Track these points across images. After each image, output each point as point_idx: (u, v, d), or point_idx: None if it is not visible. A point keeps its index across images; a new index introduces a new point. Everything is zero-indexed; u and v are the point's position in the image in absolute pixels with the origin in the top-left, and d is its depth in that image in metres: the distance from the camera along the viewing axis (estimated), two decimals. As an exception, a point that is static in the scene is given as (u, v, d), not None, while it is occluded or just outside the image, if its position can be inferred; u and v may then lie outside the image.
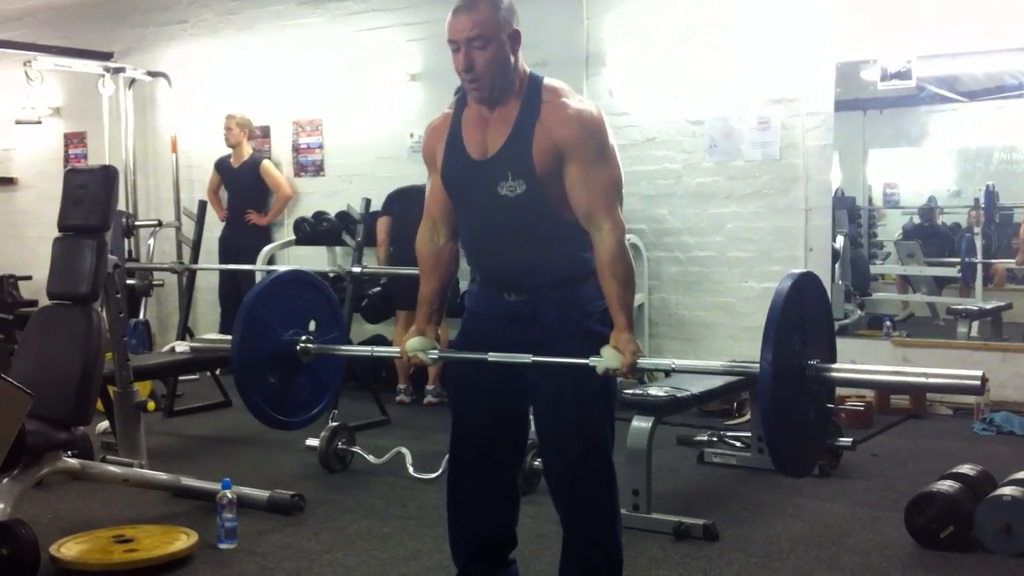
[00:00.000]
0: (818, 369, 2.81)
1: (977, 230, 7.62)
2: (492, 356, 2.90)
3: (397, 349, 3.13)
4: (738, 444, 5.31)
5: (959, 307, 7.37)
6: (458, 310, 3.19)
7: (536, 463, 4.46)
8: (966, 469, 4.16)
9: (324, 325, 3.54)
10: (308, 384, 3.57)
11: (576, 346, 2.83)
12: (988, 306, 7.27)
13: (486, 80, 2.76)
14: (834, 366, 2.87)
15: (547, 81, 2.84)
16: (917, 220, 8.29)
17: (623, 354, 2.73)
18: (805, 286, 2.85)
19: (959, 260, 7.75)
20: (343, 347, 3.65)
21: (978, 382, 2.74)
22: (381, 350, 4.13)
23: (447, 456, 4.05)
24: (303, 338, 3.44)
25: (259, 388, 3.44)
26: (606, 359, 2.75)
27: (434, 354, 3.04)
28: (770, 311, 2.70)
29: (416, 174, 7.45)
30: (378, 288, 7.04)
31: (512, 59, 2.79)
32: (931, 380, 2.90)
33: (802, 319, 2.80)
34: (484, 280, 2.99)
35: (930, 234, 8.20)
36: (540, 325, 2.87)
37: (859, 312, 7.61)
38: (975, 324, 7.12)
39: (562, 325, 2.86)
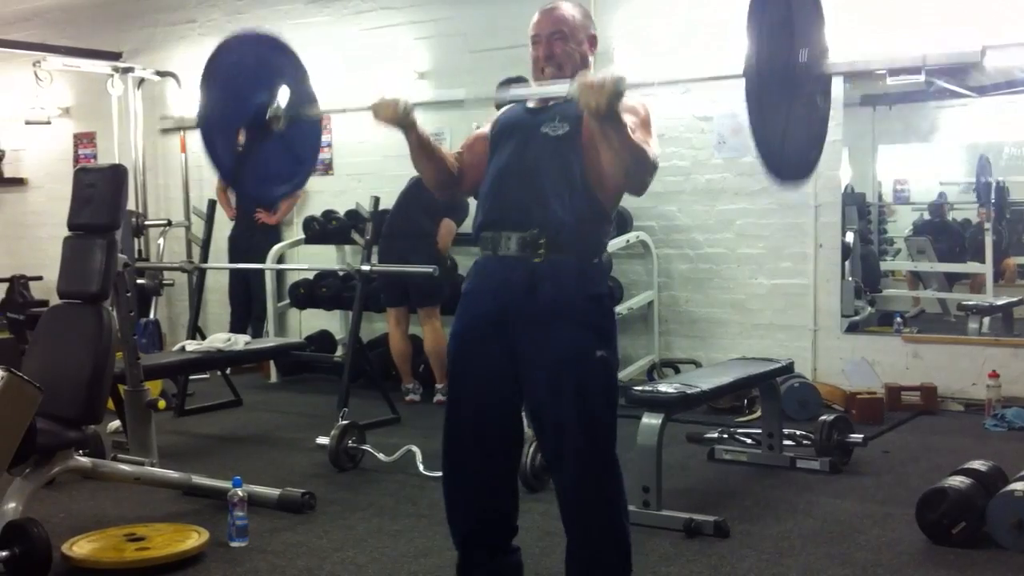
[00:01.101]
0: (809, 61, 2.67)
1: (987, 226, 7.60)
2: (513, 92, 2.89)
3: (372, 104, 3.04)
4: (749, 441, 5.31)
5: (970, 303, 7.35)
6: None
7: (542, 460, 4.45)
8: (977, 465, 4.15)
9: (296, 95, 3.35)
10: (282, 155, 3.38)
11: (569, 334, 2.83)
12: (999, 302, 7.26)
13: (566, 68, 2.91)
14: (826, 57, 2.74)
15: None
16: (927, 216, 8.28)
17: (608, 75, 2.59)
18: None
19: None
20: (313, 108, 3.47)
21: (977, 48, 2.61)
22: (355, 107, 3.82)
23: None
24: (275, 103, 3.25)
25: (221, 150, 3.22)
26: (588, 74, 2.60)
27: (409, 103, 2.98)
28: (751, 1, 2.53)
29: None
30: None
31: (589, 59, 2.99)
32: (928, 53, 2.75)
33: (789, 12, 2.65)
34: (488, 222, 2.97)
35: (940, 230, 8.19)
36: (533, 301, 2.86)
37: (870, 308, 7.61)
38: (986, 320, 7.11)
39: (554, 305, 2.84)
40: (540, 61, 2.96)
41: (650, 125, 2.94)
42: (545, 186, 2.87)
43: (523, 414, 3.13)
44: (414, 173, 7.46)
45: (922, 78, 6.47)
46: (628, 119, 2.73)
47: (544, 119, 2.93)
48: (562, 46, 2.93)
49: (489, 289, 2.95)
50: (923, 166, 8.40)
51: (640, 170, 2.78)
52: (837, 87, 6.60)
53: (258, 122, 3.22)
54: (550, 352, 2.84)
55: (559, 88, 2.74)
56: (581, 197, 2.86)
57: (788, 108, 2.67)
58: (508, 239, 2.91)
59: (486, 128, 3.13)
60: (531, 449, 4.50)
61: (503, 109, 3.11)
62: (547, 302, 2.85)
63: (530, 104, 3.02)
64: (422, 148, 3.04)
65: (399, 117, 2.98)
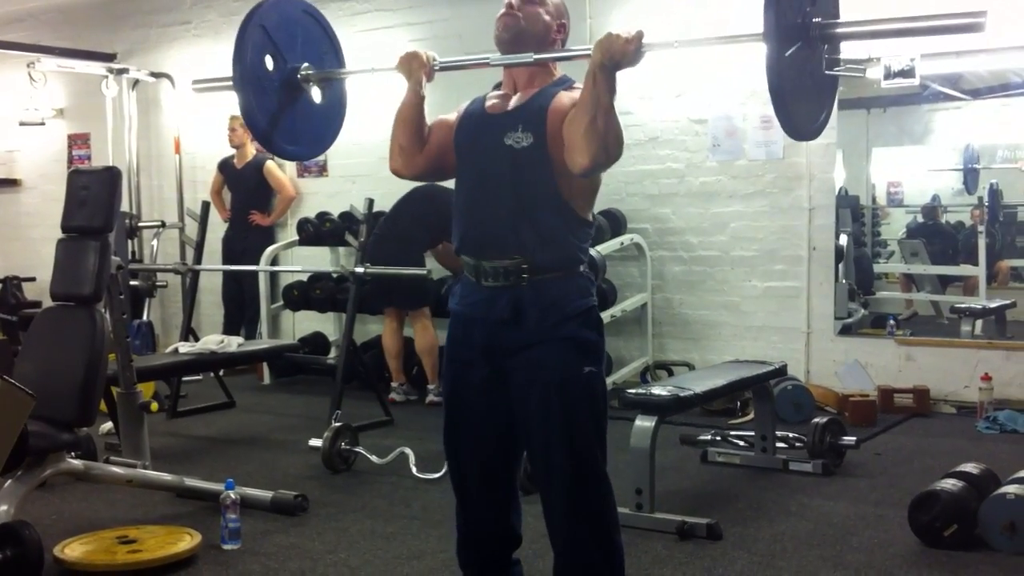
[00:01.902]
0: (823, 25, 2.73)
1: (981, 228, 7.61)
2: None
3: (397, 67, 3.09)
4: (741, 443, 5.31)
5: (963, 306, 7.36)
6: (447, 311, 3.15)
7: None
8: (970, 467, 4.16)
9: (325, 58, 3.46)
10: (302, 119, 3.44)
11: (558, 350, 2.80)
12: (992, 305, 7.27)
13: (520, 20, 2.88)
14: (839, 21, 2.79)
15: (578, 82, 2.90)
16: (921, 219, 8.29)
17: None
18: None
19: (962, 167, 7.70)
20: (341, 71, 3.54)
21: (983, 19, 2.68)
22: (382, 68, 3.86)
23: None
24: (304, 64, 3.32)
25: (263, 107, 3.28)
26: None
27: (443, 59, 3.06)
28: None
29: (419, 174, 7.47)
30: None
31: (551, 37, 2.92)
32: (934, 23, 2.85)
33: None
34: (466, 253, 2.93)
35: (934, 233, 8.19)
36: (520, 328, 2.83)
37: (863, 311, 7.61)
38: (979, 323, 7.12)
39: (541, 327, 2.81)
40: (505, 7, 2.89)
41: None
42: (518, 208, 2.80)
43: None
44: (409, 184, 7.53)
45: (916, 81, 6.49)
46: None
47: (506, 127, 2.81)
48: (531, 7, 2.88)
49: (475, 317, 2.91)
50: (917, 169, 8.41)
51: (616, 142, 2.71)
52: (831, 90, 6.63)
53: (291, 80, 3.29)
54: (538, 374, 2.81)
55: (580, 51, 2.74)
56: (556, 211, 2.80)
57: (802, 67, 2.72)
58: (489, 269, 2.85)
59: (452, 116, 3.04)
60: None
61: (462, 109, 3.04)
62: (532, 328, 2.81)
63: (489, 103, 2.94)
64: (415, 108, 3.02)
65: (426, 69, 3.02)
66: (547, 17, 2.91)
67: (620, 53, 2.65)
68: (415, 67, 3.01)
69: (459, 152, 2.97)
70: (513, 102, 2.89)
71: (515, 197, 2.81)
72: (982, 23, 2.65)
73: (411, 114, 3.02)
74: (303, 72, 3.30)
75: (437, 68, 3.02)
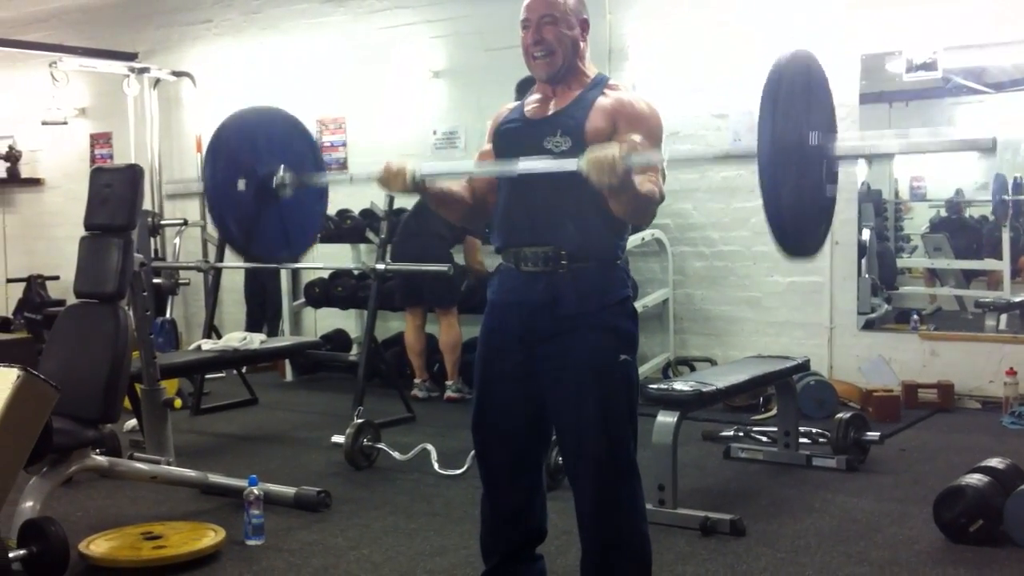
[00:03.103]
0: (820, 143, 2.72)
1: (1005, 223, 7.56)
2: (475, 168, 2.92)
3: (379, 173, 2.98)
4: (764, 439, 5.29)
5: (987, 300, 7.32)
6: (479, 306, 3.16)
7: (561, 459, 4.44)
8: (995, 463, 4.12)
9: (303, 163, 3.39)
10: (286, 222, 3.42)
11: (594, 338, 2.83)
12: (1016, 299, 7.21)
13: (556, 51, 2.88)
14: (837, 138, 2.78)
15: (613, 80, 2.95)
16: (944, 213, 8.24)
17: (614, 148, 2.59)
18: (803, 61, 2.76)
19: (991, 199, 7.63)
20: (319, 175, 3.47)
21: (990, 141, 2.66)
22: (360, 175, 3.82)
23: (472, 453, 4.07)
24: (281, 170, 3.28)
25: (230, 220, 3.28)
26: (595, 149, 2.60)
27: (427, 168, 2.95)
28: (766, 85, 2.61)
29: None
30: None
31: (581, 44, 2.91)
32: (940, 139, 2.81)
33: (801, 92, 2.70)
34: (506, 244, 2.96)
35: (957, 227, 8.14)
36: (557, 313, 2.84)
37: (886, 306, 7.57)
38: (1003, 317, 7.07)
39: (579, 314, 2.83)
40: (529, 48, 2.89)
41: (659, 133, 2.90)
42: (558, 207, 2.84)
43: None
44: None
45: (939, 74, 6.46)
46: (635, 136, 2.76)
47: (546, 132, 2.85)
48: (553, 31, 2.86)
49: (513, 303, 2.93)
50: (940, 163, 8.36)
51: (646, 214, 2.82)
52: (854, 83, 6.61)
53: (265, 189, 3.25)
54: (574, 358, 2.84)
55: (568, 164, 2.67)
56: (595, 209, 2.81)
57: (799, 185, 2.70)
58: (529, 255, 2.89)
59: (488, 145, 3.07)
60: (552, 452, 4.50)
61: (500, 116, 3.05)
62: (570, 313, 2.84)
63: (528, 108, 2.96)
64: (440, 201, 3.04)
65: (409, 188, 2.94)
66: (570, 31, 2.89)
67: (610, 179, 2.57)
68: (394, 186, 2.95)
69: (498, 151, 2.99)
70: (552, 107, 2.92)
71: (555, 197, 2.84)
72: (992, 147, 2.61)
73: (440, 206, 3.07)
74: (278, 180, 3.26)
75: (419, 179, 2.93)
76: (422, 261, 6.25)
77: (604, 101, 2.86)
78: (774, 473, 4.95)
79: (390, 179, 2.94)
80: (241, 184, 3.24)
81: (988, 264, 7.93)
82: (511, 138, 2.96)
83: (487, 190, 3.05)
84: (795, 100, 2.66)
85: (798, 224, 2.75)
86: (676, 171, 7.14)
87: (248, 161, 3.26)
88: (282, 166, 3.28)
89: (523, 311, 2.90)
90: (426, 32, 8.05)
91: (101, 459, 4.18)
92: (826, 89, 2.88)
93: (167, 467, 4.52)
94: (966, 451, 5.15)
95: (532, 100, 2.99)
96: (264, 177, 3.26)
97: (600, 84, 2.92)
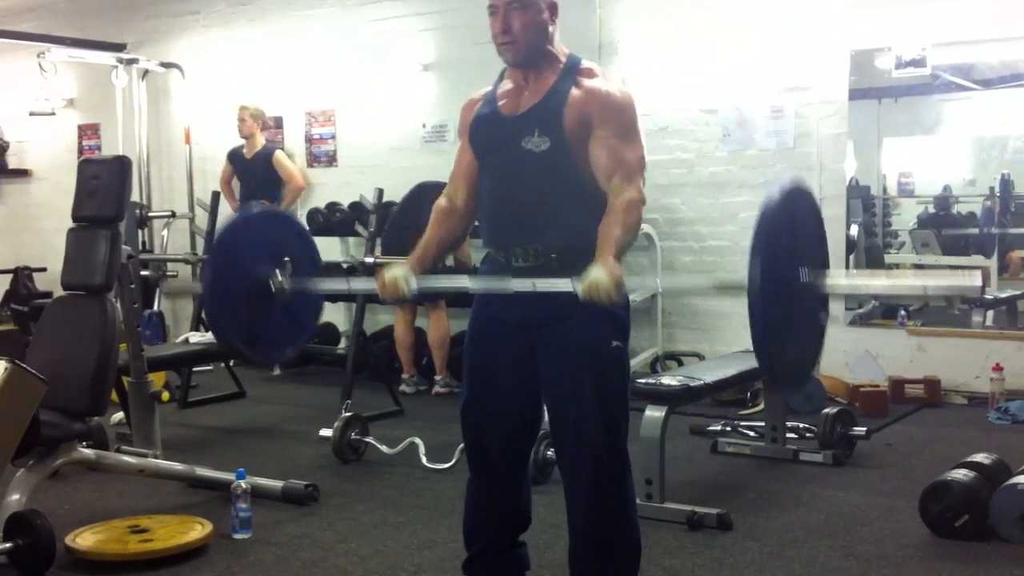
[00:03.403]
0: (810, 280, 2.77)
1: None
2: (472, 285, 2.93)
3: (375, 283, 3.02)
4: (752, 434, 5.31)
5: (974, 296, 7.33)
6: (467, 301, 3.16)
7: (549, 453, 4.46)
8: (981, 458, 4.14)
9: (300, 264, 3.43)
10: (283, 323, 3.43)
11: (589, 324, 2.83)
12: (1003, 295, 7.24)
13: (521, 42, 2.83)
14: (827, 276, 2.83)
15: (585, 62, 2.92)
16: (932, 209, 8.26)
17: (608, 273, 2.64)
18: (795, 197, 2.81)
19: (978, 229, 7.67)
20: (318, 280, 3.48)
21: (978, 283, 2.69)
22: (358, 282, 3.95)
23: (460, 446, 4.08)
24: (278, 276, 3.31)
25: (230, 324, 3.33)
26: (593, 275, 2.64)
27: (413, 283, 2.95)
28: (757, 222, 2.65)
29: (428, 164, 7.48)
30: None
31: (549, 29, 2.88)
32: (929, 284, 2.87)
33: (792, 229, 2.74)
34: (496, 242, 2.97)
35: (945, 223, 8.16)
36: (550, 303, 2.84)
37: (873, 302, 7.58)
38: (990, 313, 7.09)
39: (573, 300, 2.83)
40: (497, 35, 2.84)
41: (633, 124, 2.86)
42: (544, 205, 2.84)
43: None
44: (418, 166, 7.53)
45: (927, 71, 6.47)
46: (608, 132, 2.77)
47: (523, 130, 2.83)
48: (520, 17, 2.81)
49: (501, 295, 2.93)
50: (928, 159, 8.37)
51: (637, 230, 2.86)
52: (842, 79, 6.62)
53: (263, 292, 3.29)
54: (570, 344, 2.85)
55: (562, 284, 2.70)
56: (582, 201, 2.83)
57: (789, 321, 2.76)
58: (519, 253, 2.89)
59: (464, 141, 3.04)
60: (540, 445, 4.50)
61: (473, 105, 3.01)
62: (565, 302, 2.81)
63: (501, 101, 2.92)
64: (444, 256, 3.12)
65: (408, 296, 2.98)
66: (538, 15, 2.84)
67: (608, 300, 2.65)
68: (387, 298, 2.99)
69: (478, 153, 2.99)
70: (526, 101, 2.89)
71: (539, 197, 2.85)
72: (977, 289, 2.70)
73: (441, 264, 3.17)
74: (277, 285, 3.29)
75: (415, 292, 2.97)
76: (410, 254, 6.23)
77: (577, 93, 2.82)
78: (761, 467, 4.96)
79: (387, 293, 2.96)
80: (240, 283, 3.29)
81: (975, 260, 7.95)
82: (488, 136, 2.94)
83: (474, 198, 3.04)
84: (785, 237, 2.70)
85: (788, 355, 2.81)
86: (665, 166, 7.16)
87: (246, 268, 3.30)
88: (278, 271, 3.31)
89: (516, 300, 2.89)
90: (416, 25, 8.03)
91: (88, 452, 4.17)
92: (818, 222, 2.95)
93: (154, 460, 4.51)
94: (952, 446, 5.17)
95: (504, 88, 2.96)
96: (262, 282, 3.29)
97: (573, 70, 2.88)
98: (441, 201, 3.11)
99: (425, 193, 6.79)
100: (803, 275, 2.76)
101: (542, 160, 2.82)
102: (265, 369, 7.98)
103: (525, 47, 2.84)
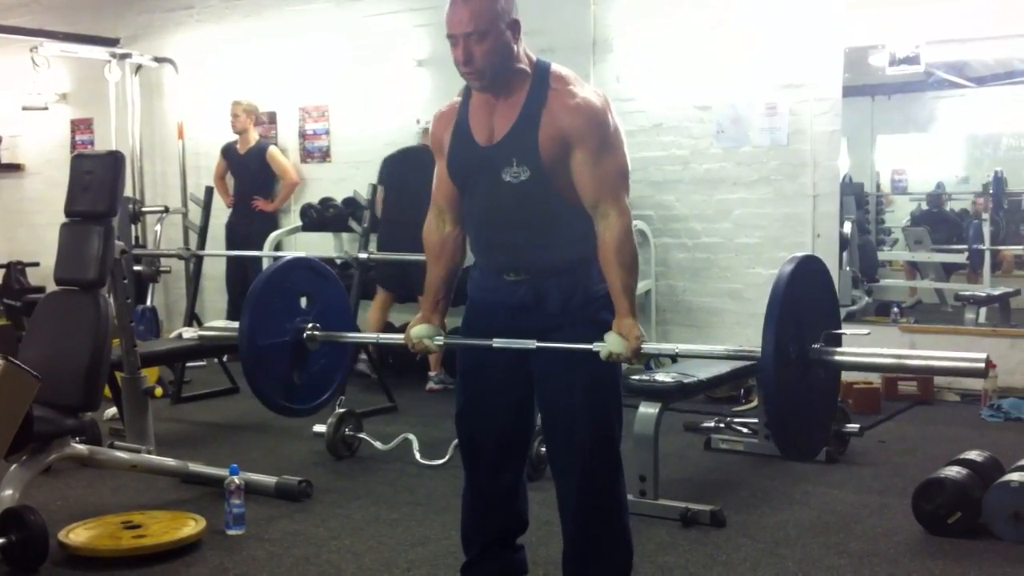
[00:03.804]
0: (822, 352, 2.82)
1: (985, 216, 7.61)
2: (497, 342, 2.90)
3: (402, 336, 3.11)
4: (745, 431, 5.31)
5: (967, 293, 7.36)
6: (460, 298, 3.17)
7: (543, 450, 4.46)
8: (974, 455, 4.15)
9: (331, 312, 3.54)
10: (315, 371, 3.60)
11: (581, 333, 2.83)
12: (996, 292, 7.26)
13: (487, 72, 2.75)
14: (838, 350, 2.86)
15: (554, 68, 2.83)
16: (925, 206, 8.28)
17: (627, 339, 2.75)
18: (808, 270, 2.85)
19: (967, 247, 7.73)
20: (349, 334, 3.66)
21: (982, 365, 2.73)
22: (386, 337, 4.20)
23: (454, 442, 4.08)
24: (310, 325, 3.44)
25: (266, 375, 3.47)
26: (609, 344, 2.76)
27: (439, 340, 3.05)
28: (771, 295, 2.72)
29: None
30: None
31: (514, 48, 2.77)
32: (934, 363, 2.91)
33: (805, 302, 2.79)
34: (486, 263, 2.98)
35: (938, 220, 8.18)
36: (543, 312, 2.87)
37: (867, 298, 7.61)
38: (983, 310, 7.11)
39: (565, 311, 2.85)
40: (460, 66, 2.76)
41: (612, 134, 2.80)
42: (530, 230, 2.84)
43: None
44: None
45: (921, 68, 6.48)
46: (585, 152, 2.75)
47: (500, 162, 2.78)
48: (481, 48, 2.70)
49: (497, 302, 2.94)
50: (921, 156, 8.39)
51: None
52: (836, 76, 6.62)
53: (295, 342, 3.48)
54: (561, 354, 2.85)
55: (583, 348, 2.79)
56: (567, 224, 2.83)
57: (800, 391, 2.82)
58: (510, 270, 2.90)
59: (441, 167, 2.99)
60: (534, 443, 4.50)
61: (444, 123, 2.96)
62: (555, 310, 2.86)
63: (475, 127, 2.86)
64: (451, 293, 3.12)
65: (434, 351, 3.13)
66: (500, 40, 2.72)
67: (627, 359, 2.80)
68: (416, 353, 3.15)
69: (457, 181, 2.95)
70: (499, 125, 2.82)
71: (524, 222, 2.85)
72: (981, 370, 2.80)
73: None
74: (308, 334, 3.47)
75: (440, 347, 3.10)
76: (407, 249, 6.22)
77: (549, 113, 2.75)
78: (754, 464, 4.97)
79: (416, 351, 3.10)
80: (275, 332, 3.48)
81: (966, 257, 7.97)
82: (466, 167, 2.90)
83: (461, 217, 3.02)
84: (797, 310, 2.76)
85: (800, 428, 2.87)
86: (659, 163, 7.16)
87: (280, 321, 3.48)
88: (310, 323, 3.49)
89: (508, 311, 2.92)
90: (410, 21, 8.01)
91: (81, 447, 4.15)
92: (831, 294, 3.01)
93: (147, 456, 4.50)
94: (945, 443, 5.18)
95: (475, 109, 2.87)
96: (296, 331, 3.47)
97: (543, 84, 2.79)
98: (429, 233, 3.08)
99: (410, 172, 6.72)
100: (815, 347, 2.82)
101: (523, 190, 2.79)
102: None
103: (490, 74, 2.75)
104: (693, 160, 7.11)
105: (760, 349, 2.70)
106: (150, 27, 9.42)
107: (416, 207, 6.56)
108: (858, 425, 5.10)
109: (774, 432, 2.81)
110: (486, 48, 2.71)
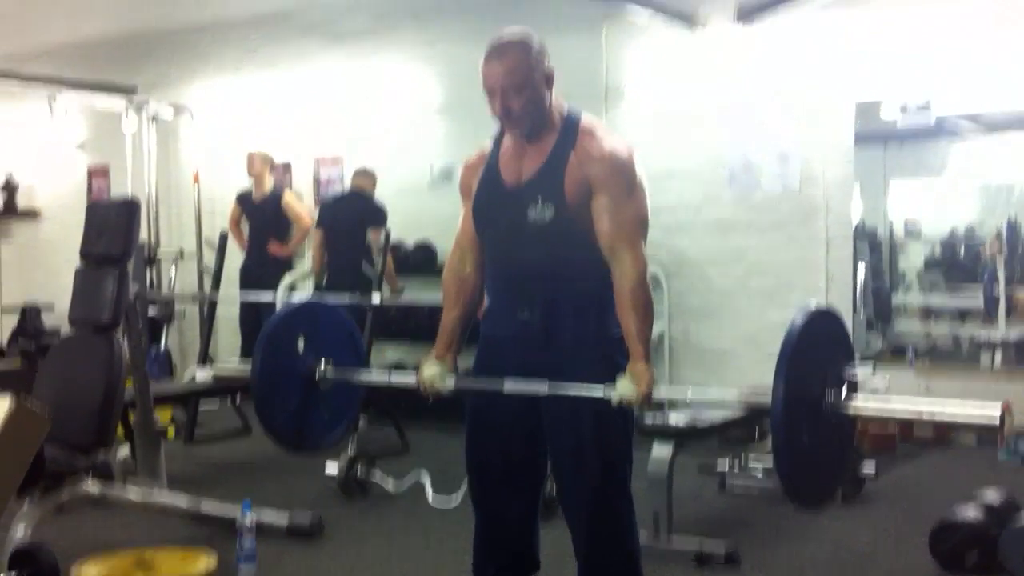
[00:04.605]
0: (835, 404, 2.81)
1: (1000, 259, 7.60)
2: (508, 386, 2.90)
3: (414, 377, 3.11)
4: (759, 472, 5.28)
5: (982, 337, 7.34)
6: (473, 336, 3.18)
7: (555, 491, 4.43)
8: (990, 494, 4.12)
9: (343, 353, 3.55)
10: (326, 410, 3.60)
11: (592, 372, 2.83)
12: (1011, 336, 7.24)
13: (525, 122, 2.85)
14: (852, 402, 2.84)
15: (584, 118, 2.92)
16: (939, 252, 8.28)
17: (638, 384, 2.74)
18: (821, 320, 2.85)
19: (982, 289, 7.70)
20: (360, 374, 3.65)
21: (996, 416, 2.72)
22: (399, 378, 4.18)
23: (465, 485, 4.07)
24: (321, 366, 3.45)
25: (278, 414, 3.47)
26: (621, 389, 2.76)
27: (451, 382, 3.04)
28: (783, 345, 2.71)
29: (437, 207, 7.54)
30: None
31: (547, 97, 2.87)
32: (948, 418, 2.89)
33: (818, 351, 2.78)
34: (502, 300, 2.99)
35: (952, 266, 8.18)
36: (555, 349, 2.87)
37: (881, 342, 7.58)
38: (999, 354, 7.08)
39: (577, 349, 2.86)
40: (501, 119, 2.88)
41: (635, 182, 2.88)
42: (549, 269, 2.87)
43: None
44: (426, 208, 7.58)
45: (932, 119, 6.50)
46: (607, 198, 2.80)
47: (526, 201, 2.85)
48: (519, 100, 2.81)
49: (509, 337, 2.95)
50: (934, 202, 8.41)
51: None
52: (848, 127, 6.65)
53: (308, 382, 3.48)
54: (573, 394, 2.85)
55: (595, 390, 2.78)
56: (587, 266, 2.86)
57: (813, 442, 2.79)
58: (525, 308, 2.91)
59: (467, 208, 3.04)
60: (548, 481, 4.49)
61: (474, 170, 3.03)
62: (568, 348, 2.87)
63: (503, 168, 2.93)
64: (465, 336, 3.10)
65: (445, 393, 3.05)
66: (535, 92, 2.84)
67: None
68: (427, 395, 3.08)
69: (481, 220, 2.99)
70: (528, 166, 2.89)
71: (544, 262, 2.88)
72: (995, 420, 2.80)
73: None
74: (320, 374, 3.47)
75: (450, 389, 3.05)
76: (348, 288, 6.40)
77: (576, 158, 2.83)
78: (769, 504, 4.93)
79: (427, 392, 3.06)
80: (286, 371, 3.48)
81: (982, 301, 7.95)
82: (492, 207, 2.95)
83: (482, 262, 3.04)
84: (810, 359, 2.75)
85: (812, 479, 2.84)
86: (672, 209, 7.17)
87: (292, 359, 3.47)
88: (323, 360, 3.48)
89: (519, 344, 2.93)
90: (426, 69, 8.09)
91: (94, 486, 4.16)
92: (846, 343, 2.98)
93: (159, 494, 4.50)
94: (962, 484, 5.13)
95: (505, 153, 2.95)
96: (308, 370, 3.46)
97: (571, 130, 2.87)
98: (449, 273, 3.10)
99: (345, 218, 7.15)
100: (829, 396, 2.80)
101: (547, 230, 2.83)
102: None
103: (529, 123, 2.85)
104: (705, 206, 7.12)
105: (771, 395, 2.68)
106: (167, 78, 9.50)
107: (347, 251, 6.82)
108: (874, 467, 5.06)
109: (785, 486, 2.77)
110: (523, 100, 2.81)
